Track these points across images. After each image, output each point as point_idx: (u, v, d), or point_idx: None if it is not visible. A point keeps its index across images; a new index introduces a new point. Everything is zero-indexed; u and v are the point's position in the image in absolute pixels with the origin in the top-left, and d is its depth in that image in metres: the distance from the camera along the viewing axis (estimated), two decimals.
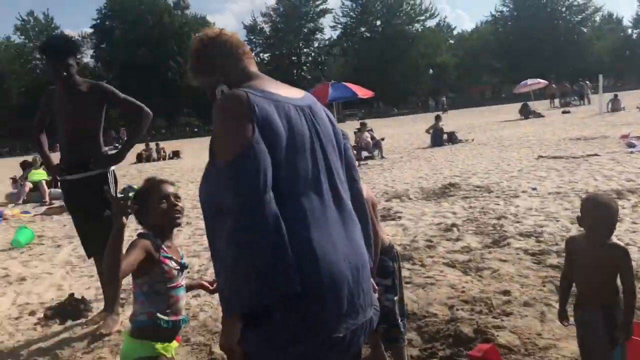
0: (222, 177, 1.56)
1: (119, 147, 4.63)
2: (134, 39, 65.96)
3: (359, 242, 1.79)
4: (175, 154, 25.17)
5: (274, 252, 1.51)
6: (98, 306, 4.49)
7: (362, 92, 15.71)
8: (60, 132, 3.99)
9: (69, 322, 4.24)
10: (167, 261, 2.21)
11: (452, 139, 17.10)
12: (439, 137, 16.81)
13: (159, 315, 2.19)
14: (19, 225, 8.71)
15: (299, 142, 1.67)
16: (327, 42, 76.62)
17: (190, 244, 6.49)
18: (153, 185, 2.31)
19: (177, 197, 2.30)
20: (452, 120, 27.57)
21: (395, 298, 2.93)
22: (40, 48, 3.91)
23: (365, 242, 1.84)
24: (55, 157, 4.25)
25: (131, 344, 2.21)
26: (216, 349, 3.46)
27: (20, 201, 12.56)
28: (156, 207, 2.24)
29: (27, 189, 12.76)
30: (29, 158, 15.31)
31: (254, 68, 1.90)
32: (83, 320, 4.26)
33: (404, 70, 71.52)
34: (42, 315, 4.42)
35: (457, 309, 3.77)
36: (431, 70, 69.72)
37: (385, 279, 2.86)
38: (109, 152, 4.11)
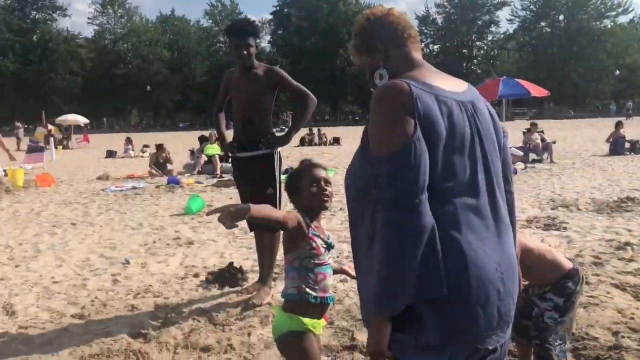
0: (377, 169, 1.51)
1: (286, 130, 4.82)
2: (308, 26, 68.59)
3: (512, 250, 1.67)
4: (336, 140, 25.82)
5: (424, 253, 1.46)
6: (253, 277, 4.76)
7: (536, 91, 14.71)
8: (234, 112, 4.27)
9: (226, 289, 4.55)
10: (315, 238, 2.27)
11: (635, 148, 15.44)
12: (620, 145, 15.27)
13: (307, 290, 2.24)
14: (192, 193, 9.55)
15: (459, 142, 1.57)
16: (501, 35, 73.18)
17: (342, 229, 6.60)
18: (306, 168, 2.37)
19: (327, 181, 2.33)
20: (636, 128, 24.88)
21: (560, 319, 2.76)
22: (226, 28, 4.21)
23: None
24: (229, 136, 4.54)
25: (282, 318, 2.28)
26: (359, 336, 3.48)
27: (195, 172, 13.77)
28: (307, 190, 2.31)
29: (202, 161, 13.95)
30: (206, 133, 16.69)
31: (418, 55, 1.78)
32: (239, 288, 4.54)
33: (585, 70, 65.98)
34: (204, 278, 4.79)
35: (623, 336, 3.39)
36: (618, 72, 63.35)
37: (558, 297, 2.78)
38: (277, 134, 4.30)
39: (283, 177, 3.36)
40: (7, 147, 10.79)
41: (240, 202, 4.51)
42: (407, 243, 1.45)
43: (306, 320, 2.23)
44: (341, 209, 8.04)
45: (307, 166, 2.38)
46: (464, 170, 1.58)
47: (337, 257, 5.29)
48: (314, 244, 2.25)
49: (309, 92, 4.22)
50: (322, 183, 2.31)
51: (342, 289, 4.42)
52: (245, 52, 4.03)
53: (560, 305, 2.77)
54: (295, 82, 4.21)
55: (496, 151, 1.70)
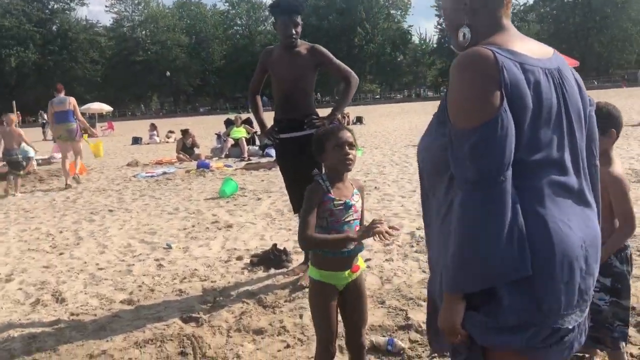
0: (458, 144, 1.42)
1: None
2: (325, 5, 67.95)
3: (596, 227, 1.59)
4: (359, 120, 25.70)
5: (509, 233, 1.38)
6: (297, 258, 4.73)
7: (566, 61, 14.37)
8: (276, 91, 4.17)
9: (272, 270, 4.53)
10: (328, 202, 2.38)
11: None
12: None
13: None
14: (224, 177, 9.55)
15: (545, 114, 1.47)
16: (522, 7, 71.63)
17: (380, 208, 6.54)
18: (332, 130, 2.48)
19: (351, 145, 2.42)
20: None
21: (611, 299, 2.55)
22: (272, 5, 4.06)
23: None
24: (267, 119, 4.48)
25: (309, 269, 2.53)
26: (412, 315, 3.43)
27: (223, 155, 13.77)
28: (331, 151, 2.41)
29: (229, 145, 13.95)
30: (232, 116, 16.68)
31: (507, 18, 1.62)
32: (284, 270, 4.51)
33: (608, 39, 64.47)
34: (248, 261, 4.78)
35: None
36: None
37: (604, 277, 2.51)
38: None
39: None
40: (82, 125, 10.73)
41: (284, 183, 4.47)
42: (490, 223, 1.38)
43: (322, 271, 2.42)
44: (376, 187, 7.98)
45: (333, 128, 2.52)
46: (550, 143, 1.48)
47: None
48: (326, 207, 2.38)
49: (351, 71, 4.13)
50: (346, 147, 2.40)
51: (388, 268, 4.37)
52: (294, 31, 3.93)
53: (608, 287, 2.54)
54: (337, 61, 4.11)
55: (581, 122, 1.59)
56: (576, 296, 1.49)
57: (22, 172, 10.10)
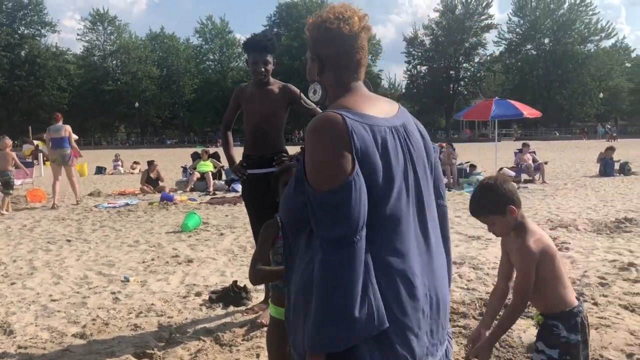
0: (316, 204, 1.46)
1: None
2: (298, 45, 68.93)
3: (442, 272, 1.68)
4: None
5: (364, 289, 1.42)
6: (257, 296, 4.68)
7: (528, 112, 14.84)
8: (247, 127, 4.19)
9: (231, 308, 4.46)
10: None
11: (624, 169, 15.61)
12: (610, 167, 15.42)
13: (276, 282, 2.49)
14: (188, 210, 9.44)
15: (394, 170, 1.54)
16: (488, 57, 74.15)
17: None
18: (284, 169, 2.55)
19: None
20: (622, 150, 25.22)
21: None
22: (244, 43, 4.10)
23: (448, 269, 1.76)
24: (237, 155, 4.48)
25: (270, 307, 2.61)
26: None
27: (188, 189, 13.65)
28: (282, 190, 2.45)
29: (194, 178, 13.85)
30: (199, 150, 16.61)
31: (358, 80, 1.70)
32: (244, 307, 4.45)
33: (570, 92, 67.03)
34: (207, 297, 4.70)
35: (638, 358, 3.36)
36: (601, 94, 64.39)
37: (551, 349, 2.38)
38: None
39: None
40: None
41: (248, 219, 4.44)
42: (349, 282, 1.41)
43: (279, 309, 2.43)
44: None
45: (288, 166, 2.58)
46: (398, 197, 1.55)
47: None
48: (281, 242, 2.29)
49: (321, 112, 4.18)
50: None
51: None
52: (263, 69, 3.98)
53: (556, 359, 2.36)
54: (308, 101, 4.17)
55: (427, 172, 1.69)
56: (428, 342, 1.57)
57: (11, 192, 10.75)
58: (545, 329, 2.43)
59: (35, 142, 26.99)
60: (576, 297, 2.46)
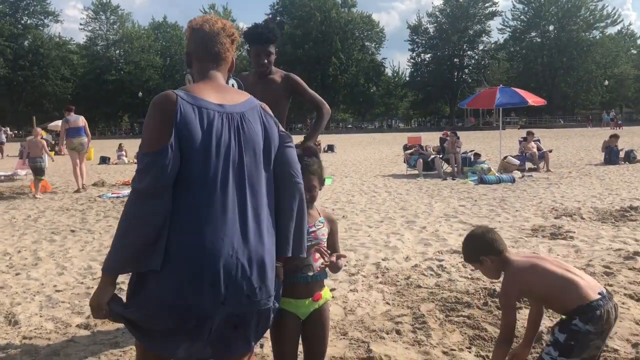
0: (139, 161, 1.85)
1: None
2: (301, 34, 68.71)
3: (258, 240, 1.95)
4: (330, 148, 25.89)
5: (154, 234, 1.80)
6: None
7: (533, 99, 14.74)
8: None
9: None
10: None
11: (630, 157, 15.52)
12: (615, 154, 15.34)
13: None
14: None
15: (215, 146, 1.88)
16: (492, 45, 73.71)
17: (347, 237, 6.54)
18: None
19: (308, 189, 2.37)
20: (627, 137, 25.10)
21: (561, 359, 2.48)
22: (246, 35, 4.04)
23: (284, 234, 2.07)
24: None
25: None
26: (375, 347, 3.41)
27: None
28: None
29: None
30: None
31: (218, 72, 2.09)
32: None
33: (575, 80, 66.69)
34: None
35: None
36: (607, 82, 63.99)
37: (560, 332, 2.52)
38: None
39: None
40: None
41: None
42: (139, 223, 1.80)
43: (282, 298, 2.29)
44: (344, 216, 8.00)
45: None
46: (216, 169, 1.88)
47: (346, 264, 5.23)
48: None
49: (324, 101, 4.15)
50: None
51: (352, 298, 4.35)
52: (266, 60, 3.94)
53: (560, 343, 2.49)
54: (311, 91, 4.12)
55: (257, 154, 2.00)
56: (223, 293, 1.84)
57: (43, 177, 11.56)
58: (565, 319, 2.59)
59: (40, 131, 27.00)
60: (600, 292, 2.54)
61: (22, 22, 69.63)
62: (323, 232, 2.50)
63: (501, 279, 2.77)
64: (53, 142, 30.46)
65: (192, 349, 1.94)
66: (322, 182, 2.54)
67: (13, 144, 32.63)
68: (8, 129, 54.86)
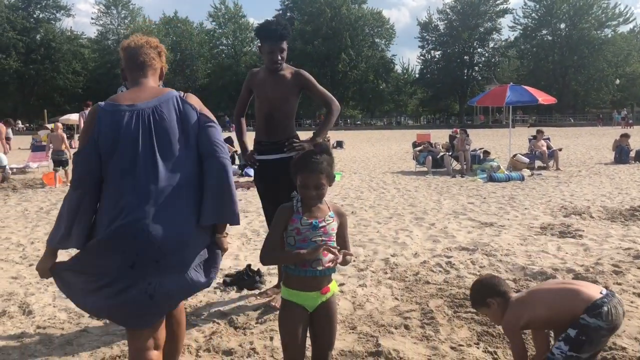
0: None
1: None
2: (311, 30, 68.60)
3: (175, 216, 2.32)
4: (339, 144, 25.90)
5: (67, 221, 2.35)
6: (271, 280, 4.73)
7: (543, 98, 14.69)
8: (258, 112, 4.20)
9: (245, 291, 4.51)
10: (296, 221, 2.43)
11: None
12: (625, 154, 15.26)
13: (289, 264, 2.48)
14: None
15: (127, 139, 2.33)
16: (503, 43, 73.30)
17: (355, 233, 6.57)
18: (302, 166, 2.44)
19: (317, 187, 2.41)
20: (638, 137, 24.92)
21: (570, 353, 2.55)
22: (258, 31, 4.07)
23: (207, 203, 2.40)
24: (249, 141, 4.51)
25: (282, 289, 2.57)
26: (383, 342, 3.44)
27: None
28: (298, 185, 2.45)
29: None
30: None
31: (144, 78, 2.57)
32: (257, 291, 4.50)
33: (585, 78, 66.23)
34: (221, 281, 4.75)
35: None
36: (618, 81, 63.48)
37: (572, 329, 2.58)
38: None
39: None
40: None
41: (261, 205, 4.47)
42: (67, 208, 2.37)
43: (290, 290, 2.47)
44: (353, 212, 8.03)
45: (302, 164, 2.45)
46: (132, 157, 2.32)
47: (354, 260, 5.27)
48: (294, 225, 2.43)
49: (333, 98, 4.18)
50: (311, 189, 2.41)
51: (361, 294, 4.39)
52: (280, 57, 3.97)
53: (571, 338, 2.56)
54: (320, 87, 4.15)
55: (171, 140, 2.38)
56: (132, 261, 2.26)
57: (67, 168, 12.03)
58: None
59: (50, 125, 27.22)
60: (601, 291, 2.67)
61: (35, 16, 69.98)
62: (333, 226, 2.51)
63: None
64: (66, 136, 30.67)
65: (101, 304, 2.35)
66: (331, 180, 2.48)
67: (25, 137, 32.88)
68: (19, 122, 55.30)
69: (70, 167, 12.14)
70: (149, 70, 2.56)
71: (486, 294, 2.86)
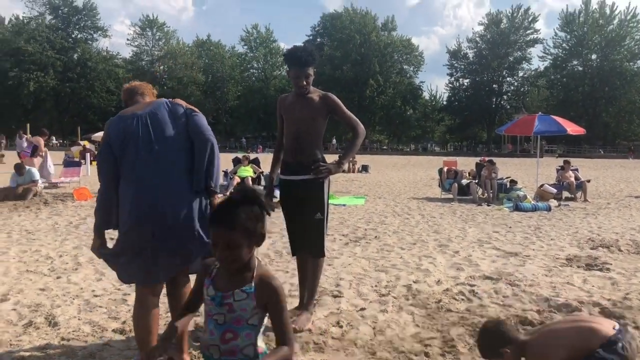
0: None
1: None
2: (340, 55, 69.23)
3: (173, 196, 3.06)
4: (364, 168, 25.94)
5: (107, 206, 3.15)
6: (291, 301, 4.73)
7: (572, 128, 14.55)
8: (286, 134, 4.28)
9: None
10: (206, 286, 2.01)
11: None
12: None
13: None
14: None
15: (133, 138, 3.08)
16: (533, 72, 72.88)
17: (378, 258, 6.56)
18: (210, 219, 2.06)
19: (229, 246, 1.88)
20: None
21: None
22: (286, 57, 4.18)
23: (199, 174, 3.14)
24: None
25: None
26: None
27: (228, 192, 13.86)
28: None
29: (235, 183, 14.08)
30: (240, 155, 16.88)
31: (143, 98, 3.45)
32: None
33: (616, 110, 65.31)
34: None
35: None
36: None
37: None
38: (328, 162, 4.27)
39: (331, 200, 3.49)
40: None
41: (285, 226, 4.51)
42: (100, 200, 3.18)
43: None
44: (376, 237, 8.02)
45: (212, 216, 1.99)
46: (136, 152, 3.06)
47: (376, 285, 5.25)
48: (203, 291, 2.02)
49: (359, 122, 4.21)
50: (220, 247, 1.89)
51: (382, 319, 4.37)
52: (305, 82, 4.06)
53: None
54: (348, 112, 4.20)
55: (165, 133, 3.12)
56: (150, 234, 3.03)
57: None
58: None
59: (82, 142, 27.88)
60: (614, 327, 2.72)
61: (73, 36, 72.16)
62: (245, 306, 1.93)
63: None
64: (96, 152, 31.32)
65: (146, 271, 3.10)
66: (257, 238, 1.95)
67: (58, 152, 33.63)
68: (54, 137, 56.65)
69: None
70: (145, 96, 3.46)
71: (498, 345, 2.82)
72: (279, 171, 4.38)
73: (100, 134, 34.47)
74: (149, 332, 3.17)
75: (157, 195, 3.02)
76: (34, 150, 15.34)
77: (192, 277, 2.87)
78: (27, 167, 12.51)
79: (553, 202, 12.59)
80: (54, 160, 22.09)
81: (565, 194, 14.21)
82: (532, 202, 12.33)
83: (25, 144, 19.96)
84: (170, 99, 3.28)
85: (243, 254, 1.90)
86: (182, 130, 3.14)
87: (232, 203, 1.91)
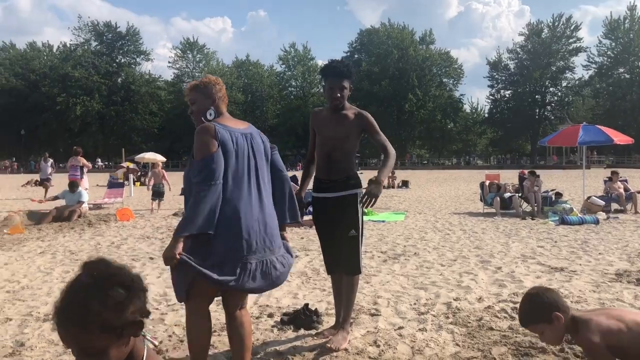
0: (194, 167, 2.96)
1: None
2: (378, 71, 69.28)
3: (270, 211, 3.19)
4: (404, 184, 25.67)
5: (211, 209, 2.89)
6: (328, 320, 4.67)
7: (619, 138, 14.06)
8: (319, 150, 4.23)
9: (301, 331, 4.47)
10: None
11: None
12: None
13: None
14: None
15: (241, 154, 3.09)
16: (576, 82, 71.20)
17: (417, 275, 6.43)
18: (91, 287, 1.46)
19: (85, 353, 1.42)
20: None
21: None
22: (321, 69, 4.18)
23: (282, 208, 3.33)
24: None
25: None
26: None
27: None
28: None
29: None
30: None
31: (224, 107, 3.32)
32: (314, 331, 4.45)
33: None
34: (278, 319, 4.74)
35: None
36: None
37: None
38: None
39: (365, 217, 3.51)
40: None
41: (312, 243, 4.46)
42: (200, 202, 2.88)
43: None
44: (415, 253, 7.88)
45: (94, 284, 1.46)
46: (243, 169, 3.09)
47: (415, 303, 5.13)
48: None
49: (389, 145, 4.07)
50: (74, 354, 1.45)
51: (421, 337, 4.25)
52: (339, 94, 4.02)
53: None
54: (380, 132, 4.10)
55: (263, 158, 3.25)
56: (254, 245, 3.02)
57: (162, 199, 15.05)
58: None
59: (125, 163, 28.59)
60: None
61: (117, 60, 74.64)
62: None
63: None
64: (140, 174, 32.08)
65: (234, 281, 2.96)
66: (126, 331, 1.45)
67: (103, 174, 34.60)
68: (99, 159, 58.29)
69: (164, 199, 14.92)
70: (225, 106, 3.36)
71: (552, 308, 2.60)
72: (309, 187, 4.34)
73: (144, 155, 35.34)
74: (205, 349, 3.29)
75: (260, 213, 3.11)
76: (82, 171, 15.74)
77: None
78: (80, 188, 13.01)
79: (601, 215, 12.16)
80: (98, 181, 22.62)
81: (614, 205, 13.71)
82: (579, 215, 11.94)
83: (49, 170, 20.46)
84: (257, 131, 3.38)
85: (111, 357, 1.43)
86: (267, 162, 3.30)
87: (78, 294, 1.40)
